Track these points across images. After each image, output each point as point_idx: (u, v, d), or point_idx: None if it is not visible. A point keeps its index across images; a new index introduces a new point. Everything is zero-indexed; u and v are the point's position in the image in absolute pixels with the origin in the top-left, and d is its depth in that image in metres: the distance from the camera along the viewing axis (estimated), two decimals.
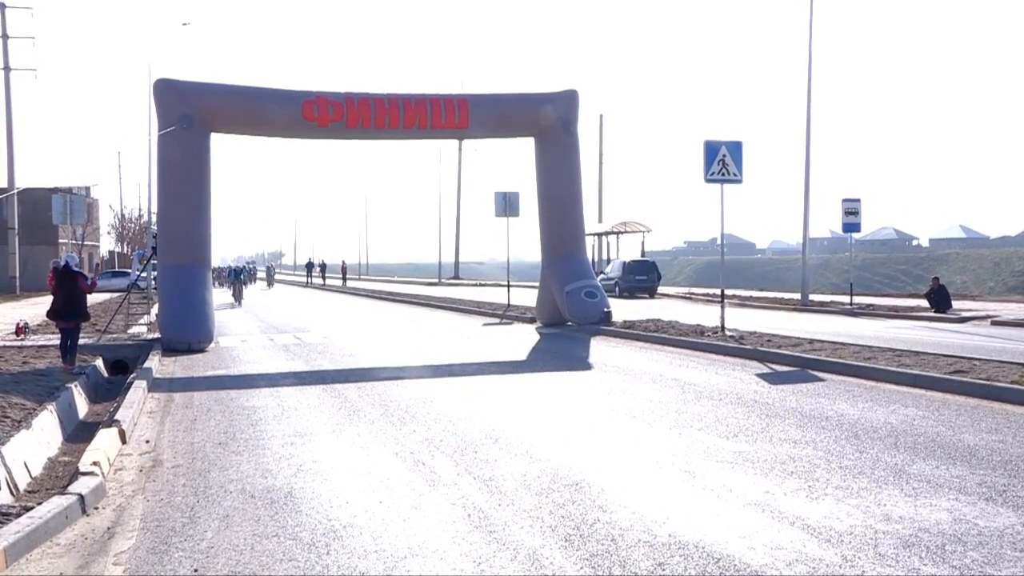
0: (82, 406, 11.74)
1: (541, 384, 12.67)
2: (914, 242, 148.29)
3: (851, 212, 26.30)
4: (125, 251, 72.92)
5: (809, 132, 27.37)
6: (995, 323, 20.42)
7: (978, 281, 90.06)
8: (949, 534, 5.46)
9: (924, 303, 25.05)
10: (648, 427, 9.16)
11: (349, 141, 22.91)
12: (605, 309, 21.00)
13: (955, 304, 24.62)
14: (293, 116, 19.91)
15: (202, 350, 17.52)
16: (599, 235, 48.22)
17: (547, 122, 21.52)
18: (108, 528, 6.04)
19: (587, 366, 14.72)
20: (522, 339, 19.38)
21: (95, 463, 7.27)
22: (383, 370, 14.09)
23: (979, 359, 12.60)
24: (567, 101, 21.82)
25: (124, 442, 8.72)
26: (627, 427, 9.21)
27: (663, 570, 4.95)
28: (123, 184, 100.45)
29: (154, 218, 22.64)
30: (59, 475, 8.17)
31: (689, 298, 34.41)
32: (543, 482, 6.92)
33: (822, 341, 15.58)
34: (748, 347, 15.21)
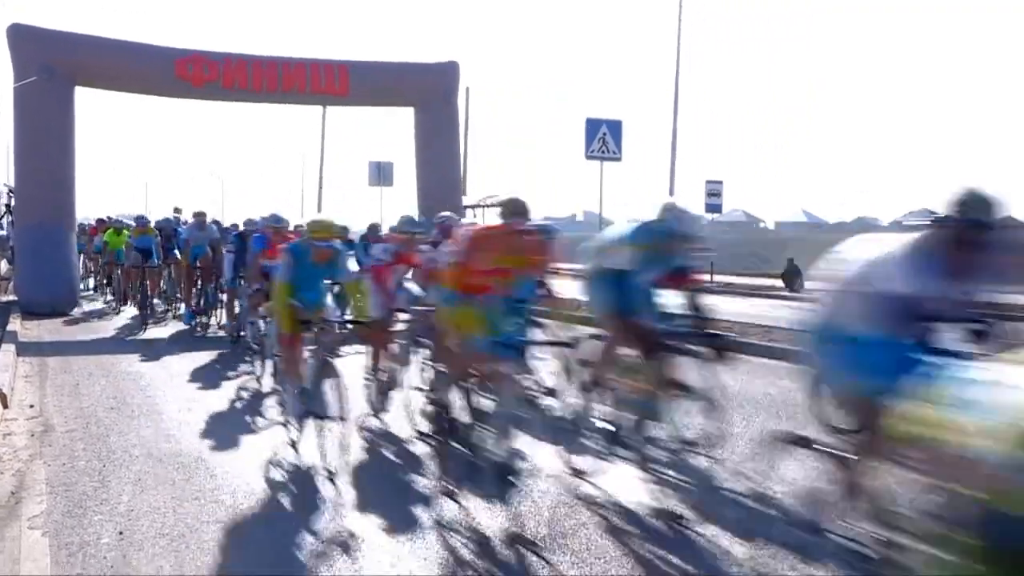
0: None
1: None
2: (761, 224, 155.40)
3: (714, 193, 27.58)
4: None
5: (676, 121, 27.92)
6: None
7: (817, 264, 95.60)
8: None
9: (778, 283, 26.60)
10: None
11: (216, 102, 22.08)
12: None
13: (806, 284, 26.19)
14: (165, 74, 19.03)
15: (65, 313, 16.69)
16: (465, 208, 48.42)
17: (428, 93, 21.47)
18: (13, 493, 5.81)
19: None
20: None
21: None
22: None
23: None
24: (448, 72, 21.80)
25: (6, 407, 8.32)
26: None
27: None
28: None
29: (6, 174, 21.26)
30: None
31: (555, 273, 35.09)
32: None
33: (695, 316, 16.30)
34: None
